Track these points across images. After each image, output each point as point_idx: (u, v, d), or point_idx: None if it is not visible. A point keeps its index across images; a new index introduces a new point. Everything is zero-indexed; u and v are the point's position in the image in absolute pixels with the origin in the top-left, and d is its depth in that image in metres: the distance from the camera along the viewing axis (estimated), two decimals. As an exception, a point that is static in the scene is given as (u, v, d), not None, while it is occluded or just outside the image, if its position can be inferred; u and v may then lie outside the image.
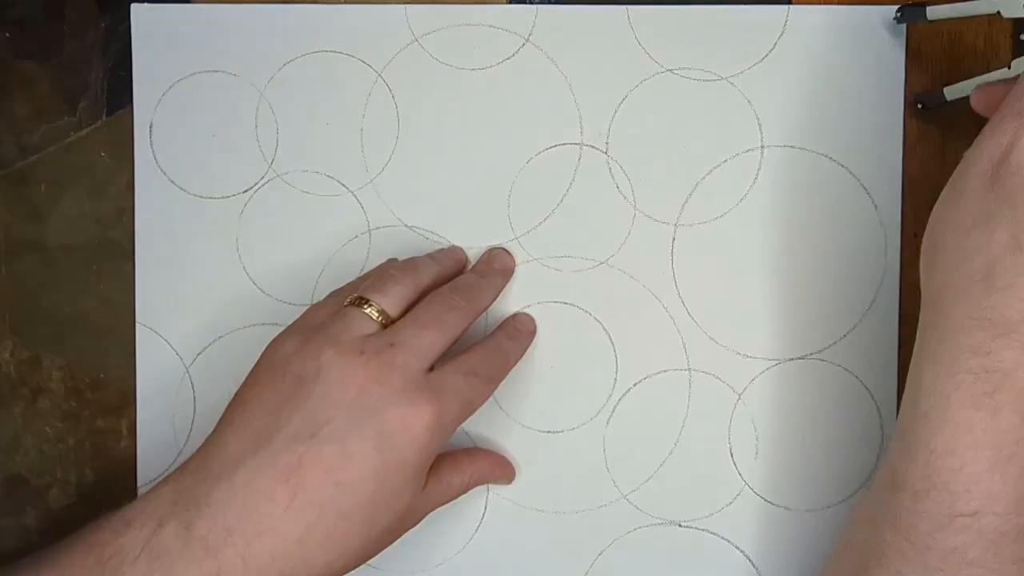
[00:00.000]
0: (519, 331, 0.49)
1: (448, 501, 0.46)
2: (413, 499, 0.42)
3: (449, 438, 0.43)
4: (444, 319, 0.44)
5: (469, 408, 0.44)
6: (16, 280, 0.52)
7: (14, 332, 0.52)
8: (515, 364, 0.48)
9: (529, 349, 0.50)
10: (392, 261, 0.48)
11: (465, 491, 0.47)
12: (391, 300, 0.43)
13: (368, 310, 0.43)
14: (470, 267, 0.50)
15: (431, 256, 0.48)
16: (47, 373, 0.52)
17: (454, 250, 0.50)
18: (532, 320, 0.50)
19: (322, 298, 0.47)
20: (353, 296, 0.43)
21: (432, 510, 0.45)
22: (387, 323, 0.43)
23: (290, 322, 0.46)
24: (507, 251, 0.50)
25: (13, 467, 0.52)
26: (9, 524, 0.52)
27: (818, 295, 0.50)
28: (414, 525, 0.44)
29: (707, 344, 0.50)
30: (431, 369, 0.43)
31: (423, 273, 0.46)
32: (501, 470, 0.50)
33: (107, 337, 0.52)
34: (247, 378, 0.43)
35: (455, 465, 0.46)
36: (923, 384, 0.38)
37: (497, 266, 0.49)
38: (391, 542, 0.43)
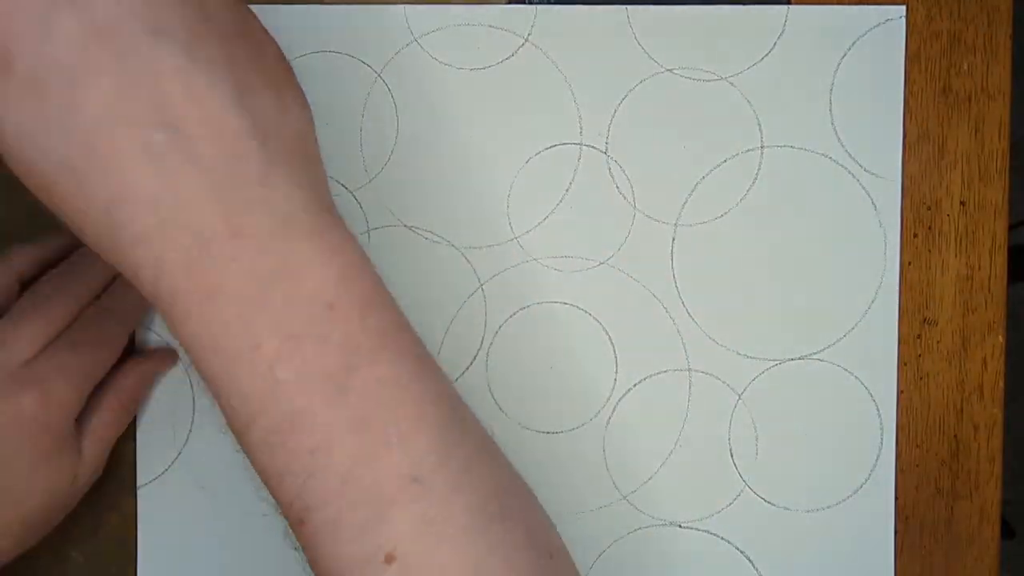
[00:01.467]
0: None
1: (97, 460, 0.47)
2: (51, 483, 0.44)
3: (77, 412, 0.45)
4: (45, 307, 0.44)
5: (88, 377, 0.45)
6: (15, 280, 0.52)
7: (13, 332, 0.52)
8: (133, 323, 0.48)
9: (529, 350, 0.51)
10: (32, 293, 0.46)
11: (108, 436, 0.48)
12: (15, 357, 0.43)
13: None
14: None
15: (67, 285, 0.46)
16: (46, 373, 0.52)
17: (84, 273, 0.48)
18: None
19: None
20: None
21: (92, 474, 0.47)
22: None
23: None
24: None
25: (12, 467, 0.52)
26: (7, 524, 0.53)
27: (818, 295, 0.50)
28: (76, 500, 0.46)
29: (707, 344, 0.51)
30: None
31: (57, 318, 0.45)
32: (152, 366, 0.51)
33: (106, 338, 0.52)
34: None
35: (78, 428, 0.46)
36: None
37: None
38: (52, 524, 0.46)
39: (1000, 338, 0.51)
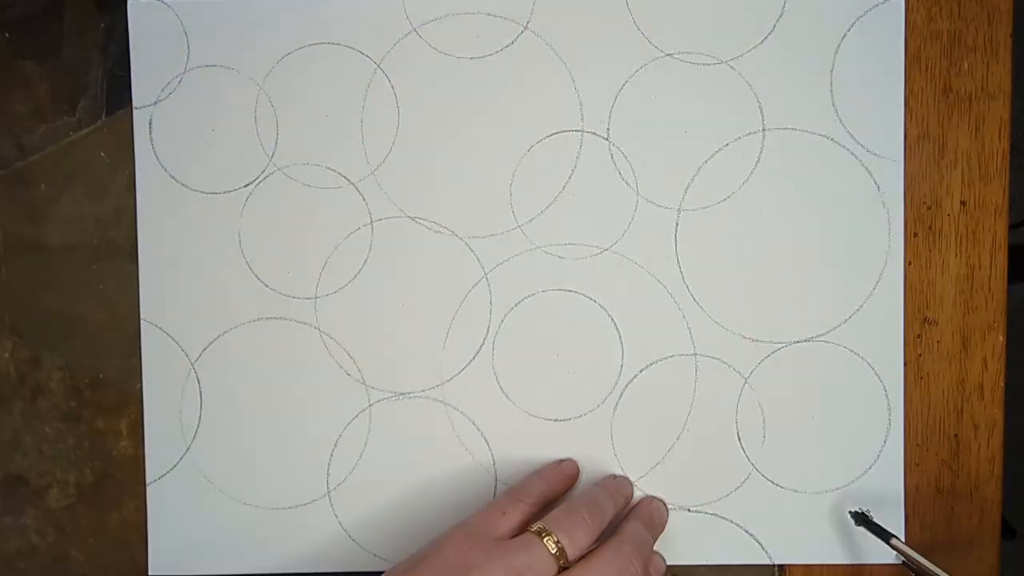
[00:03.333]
0: (654, 521, 0.51)
1: None
2: None
3: None
4: (599, 509, 0.47)
5: None
6: (16, 280, 0.53)
7: (14, 332, 0.53)
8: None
9: (534, 337, 0.51)
10: (583, 496, 0.49)
11: None
12: (575, 545, 0.45)
13: (553, 548, 0.44)
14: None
15: (610, 494, 0.49)
16: (47, 373, 0.53)
17: (625, 483, 0.52)
18: (665, 509, 0.52)
19: (496, 498, 0.50)
20: (541, 526, 0.45)
21: None
22: (564, 564, 0.45)
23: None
24: (663, 503, 0.52)
25: (13, 467, 0.53)
26: (8, 524, 0.53)
27: (822, 276, 0.51)
28: None
29: (712, 328, 0.51)
30: None
31: (606, 517, 0.48)
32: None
33: (107, 337, 0.53)
34: (418, 556, 0.45)
35: None
36: None
37: (657, 520, 0.51)
38: None
39: (1000, 338, 0.51)
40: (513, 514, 0.47)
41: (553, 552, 0.44)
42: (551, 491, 0.50)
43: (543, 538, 0.44)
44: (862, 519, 0.50)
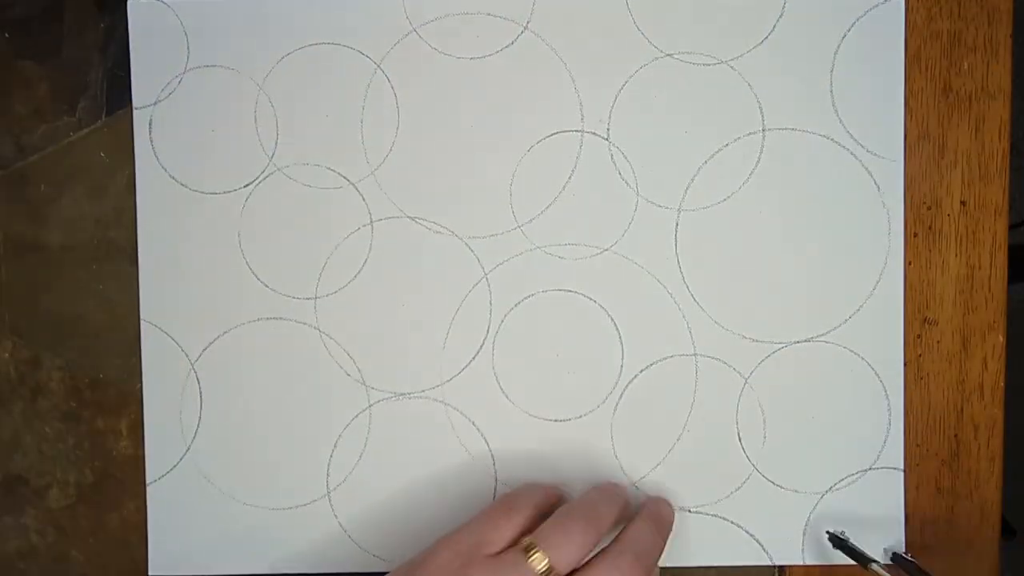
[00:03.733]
0: (662, 521, 0.49)
1: None
2: None
3: None
4: (596, 518, 0.46)
5: None
6: (16, 280, 0.53)
7: (14, 332, 0.53)
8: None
9: (534, 338, 0.51)
10: (580, 503, 0.48)
11: None
12: (563, 560, 0.44)
13: (542, 566, 0.43)
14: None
15: (609, 498, 0.48)
16: (47, 373, 0.53)
17: (623, 487, 0.51)
18: (671, 508, 0.51)
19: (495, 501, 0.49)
20: (531, 541, 0.44)
21: None
22: None
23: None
24: (669, 503, 0.51)
25: (13, 467, 0.53)
26: (8, 524, 0.53)
27: (822, 276, 0.51)
28: None
29: (713, 329, 0.51)
30: None
31: (604, 523, 0.46)
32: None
33: (107, 337, 0.53)
34: (403, 571, 0.45)
35: None
36: None
37: (667, 519, 0.50)
38: None
39: (1000, 338, 0.51)
40: (505, 528, 0.46)
41: (541, 570, 0.43)
42: (546, 502, 0.49)
43: (533, 554, 0.43)
44: (839, 543, 0.50)
